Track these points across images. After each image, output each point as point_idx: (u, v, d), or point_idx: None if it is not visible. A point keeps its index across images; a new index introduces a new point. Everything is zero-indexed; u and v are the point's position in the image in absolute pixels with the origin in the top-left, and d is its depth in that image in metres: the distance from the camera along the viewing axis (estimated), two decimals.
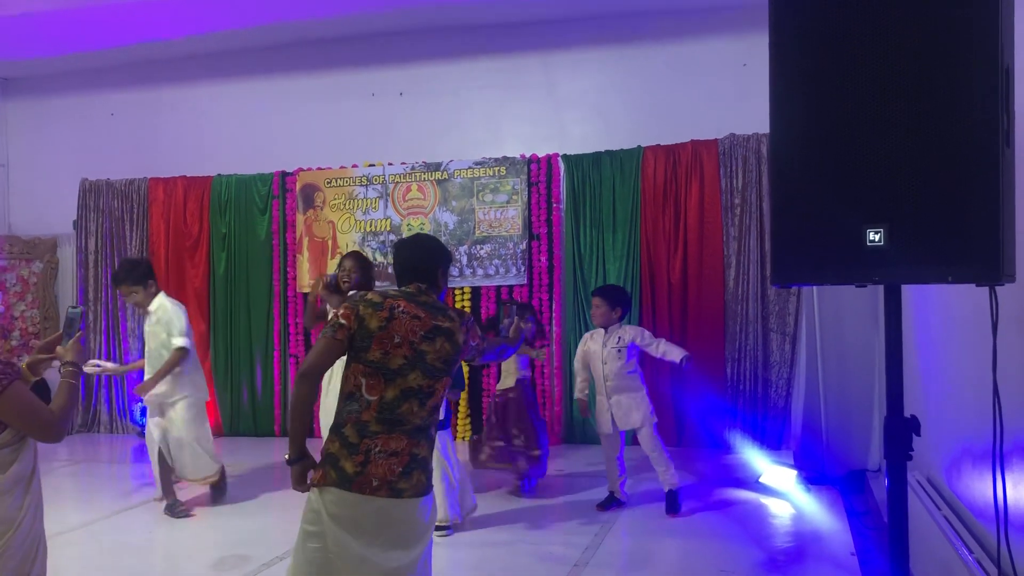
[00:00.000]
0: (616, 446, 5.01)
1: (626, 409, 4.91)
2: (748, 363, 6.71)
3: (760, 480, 5.48)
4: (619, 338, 4.96)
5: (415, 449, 2.50)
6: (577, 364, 5.18)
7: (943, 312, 4.15)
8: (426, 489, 2.55)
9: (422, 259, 2.72)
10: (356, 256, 4.93)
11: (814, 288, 6.53)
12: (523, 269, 7.27)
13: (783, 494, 5.27)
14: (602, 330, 5.03)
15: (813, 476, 6.21)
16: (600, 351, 5.00)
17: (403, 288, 2.69)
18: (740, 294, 6.75)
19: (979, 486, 3.37)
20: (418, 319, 2.55)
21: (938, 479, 4.20)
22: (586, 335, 5.22)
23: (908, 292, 4.92)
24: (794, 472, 5.41)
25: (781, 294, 6.67)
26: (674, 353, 4.89)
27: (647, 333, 5.05)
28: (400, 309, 2.54)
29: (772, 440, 6.66)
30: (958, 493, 3.78)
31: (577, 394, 5.22)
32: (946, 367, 4.12)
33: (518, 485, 5.40)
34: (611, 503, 5.08)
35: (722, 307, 6.79)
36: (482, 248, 7.37)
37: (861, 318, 6.84)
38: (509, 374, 5.44)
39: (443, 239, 7.46)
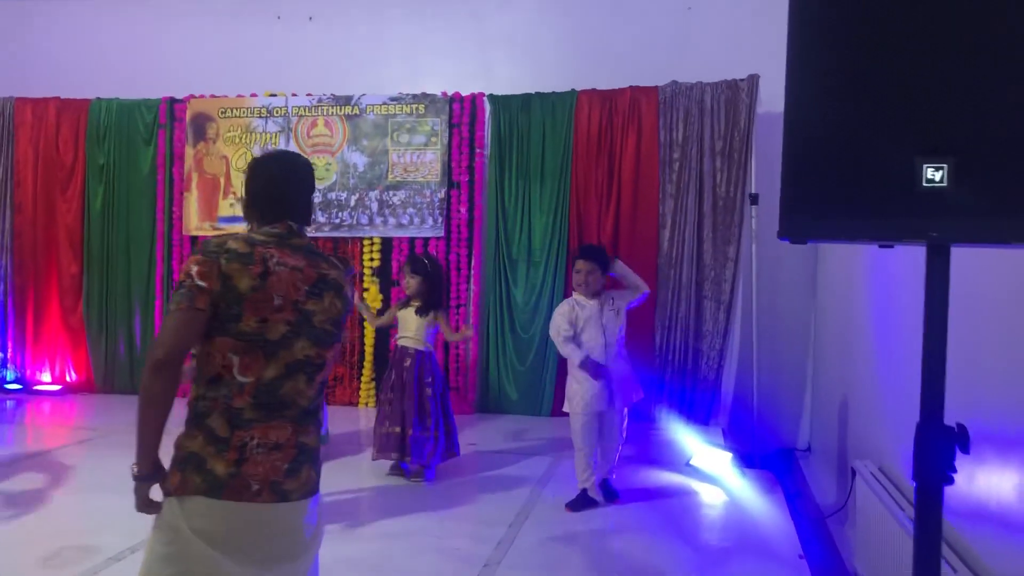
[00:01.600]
0: (595, 434, 4.31)
1: (626, 380, 4.36)
2: (679, 332, 6.22)
3: (690, 463, 5.00)
4: (612, 300, 4.33)
5: (303, 438, 1.97)
6: (566, 332, 4.28)
7: (897, 276, 3.68)
8: (316, 486, 2.01)
9: (295, 186, 2.09)
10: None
11: (753, 252, 6.06)
12: (440, 220, 6.59)
13: (716, 479, 4.80)
14: (590, 298, 4.32)
15: (744, 456, 5.82)
16: (598, 315, 4.30)
17: (268, 229, 2.01)
18: (674, 257, 6.23)
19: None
20: (299, 271, 1.95)
21: (893, 468, 3.78)
22: (569, 302, 4.39)
23: (857, 253, 4.47)
24: (728, 455, 4.94)
25: (718, 259, 6.17)
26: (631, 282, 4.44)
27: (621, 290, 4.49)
28: (275, 260, 1.91)
29: (700, 415, 6.22)
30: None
31: (583, 355, 4.24)
32: (906, 341, 3.66)
33: (421, 471, 4.76)
34: (586, 504, 4.29)
35: (654, 270, 6.26)
36: (395, 195, 6.64)
37: (797, 287, 6.46)
38: (411, 333, 4.75)
39: (351, 183, 6.70)
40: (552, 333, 4.37)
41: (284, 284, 1.90)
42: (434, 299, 4.79)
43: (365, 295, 6.68)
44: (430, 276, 4.78)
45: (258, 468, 1.86)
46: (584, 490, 4.31)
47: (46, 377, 7.26)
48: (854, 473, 4.42)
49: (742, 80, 6.13)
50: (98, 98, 7.18)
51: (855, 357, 4.77)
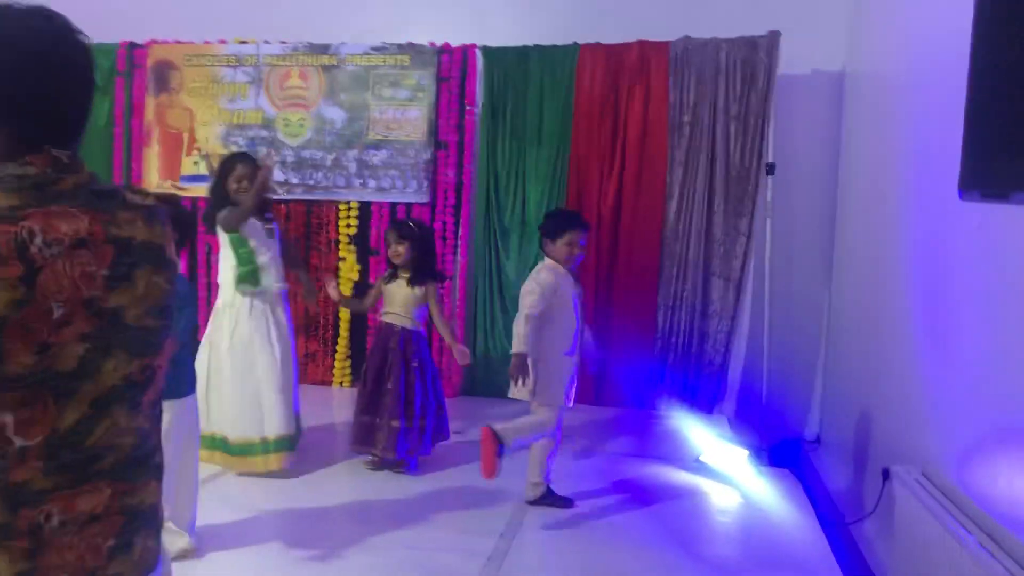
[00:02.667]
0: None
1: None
2: (684, 312, 5.70)
3: (701, 459, 4.51)
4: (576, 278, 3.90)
5: (128, 499, 1.27)
6: (537, 308, 3.64)
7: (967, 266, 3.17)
8: (155, 560, 1.32)
9: (53, 75, 1.20)
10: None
11: (768, 227, 5.55)
12: (425, 184, 6.00)
13: (730, 479, 4.31)
14: (565, 270, 3.79)
15: (754, 447, 5.37)
16: (572, 294, 3.78)
17: (13, 170, 1.17)
18: (681, 230, 5.69)
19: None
20: (85, 247, 1.17)
21: (939, 473, 3.31)
22: (551, 270, 3.76)
23: (900, 238, 3.96)
24: (744, 451, 4.45)
25: (729, 233, 5.65)
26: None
27: None
28: (40, 241, 1.12)
29: (705, 402, 5.72)
30: (970, 490, 2.92)
31: (524, 347, 3.60)
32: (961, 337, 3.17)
33: (405, 463, 4.26)
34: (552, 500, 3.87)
35: (659, 244, 5.73)
36: (376, 155, 6.04)
37: (812, 267, 5.97)
38: (398, 309, 4.22)
39: (328, 140, 6.09)
40: (522, 303, 3.70)
41: (64, 279, 1.14)
42: (426, 269, 4.24)
43: (341, 265, 6.10)
44: (420, 242, 4.23)
45: (65, 556, 1.19)
46: (549, 488, 3.88)
47: None
48: (886, 475, 3.96)
49: (761, 37, 5.56)
50: None
51: (887, 344, 4.28)
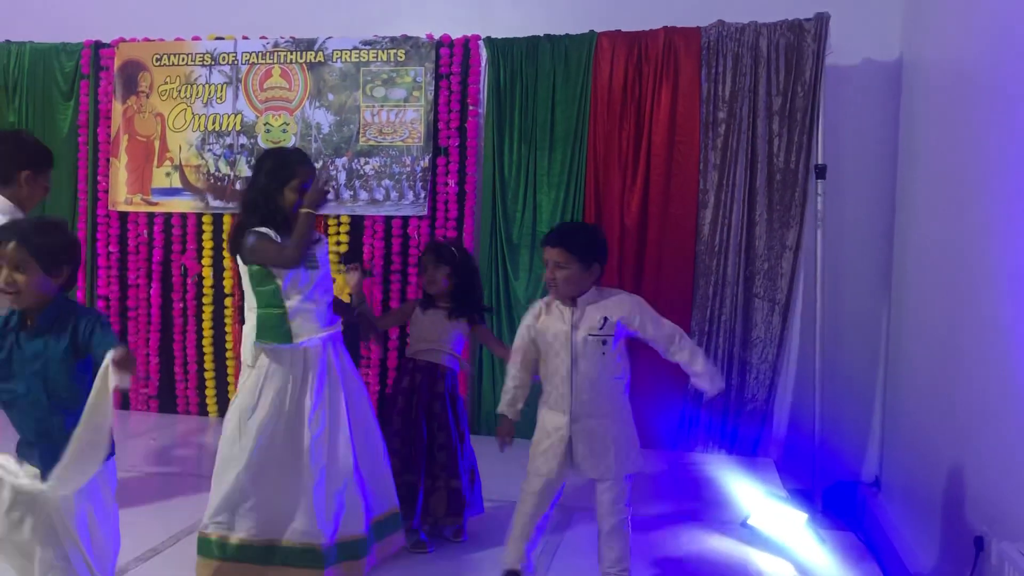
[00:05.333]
0: (550, 499, 2.99)
1: (600, 444, 2.87)
2: (722, 339, 4.93)
3: (748, 522, 3.72)
4: (603, 319, 2.84)
5: None
6: (516, 353, 3.01)
7: None
8: None
9: None
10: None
11: (818, 239, 4.78)
12: (423, 195, 5.28)
13: (785, 549, 3.53)
14: (567, 303, 2.90)
15: (803, 493, 4.60)
16: (567, 335, 2.86)
17: None
18: (718, 244, 4.94)
19: None
20: None
21: None
22: (538, 304, 3.00)
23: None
24: (802, 515, 3.66)
25: (774, 248, 4.88)
26: (699, 372, 2.89)
27: (648, 307, 2.92)
28: None
29: (748, 443, 4.95)
30: None
31: (504, 407, 3.03)
32: None
33: (420, 541, 3.42)
34: None
35: (691, 261, 4.97)
36: (368, 163, 5.32)
37: (868, 284, 5.20)
38: (439, 344, 3.46)
39: (313, 147, 5.39)
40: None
41: None
42: (471, 301, 3.52)
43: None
44: (463, 268, 3.51)
45: None
46: (510, 571, 2.99)
47: None
48: (980, 545, 3.21)
49: (808, 20, 4.82)
50: (7, 40, 5.86)
51: (970, 375, 3.52)
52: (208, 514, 2.94)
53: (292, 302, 2.93)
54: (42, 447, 2.22)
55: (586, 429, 2.86)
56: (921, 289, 4.48)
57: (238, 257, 3.02)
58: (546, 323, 2.93)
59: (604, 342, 2.83)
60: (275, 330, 2.93)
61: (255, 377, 2.96)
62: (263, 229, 2.94)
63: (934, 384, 4.07)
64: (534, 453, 2.97)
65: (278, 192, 2.97)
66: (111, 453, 2.31)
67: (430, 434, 3.39)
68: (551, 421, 2.93)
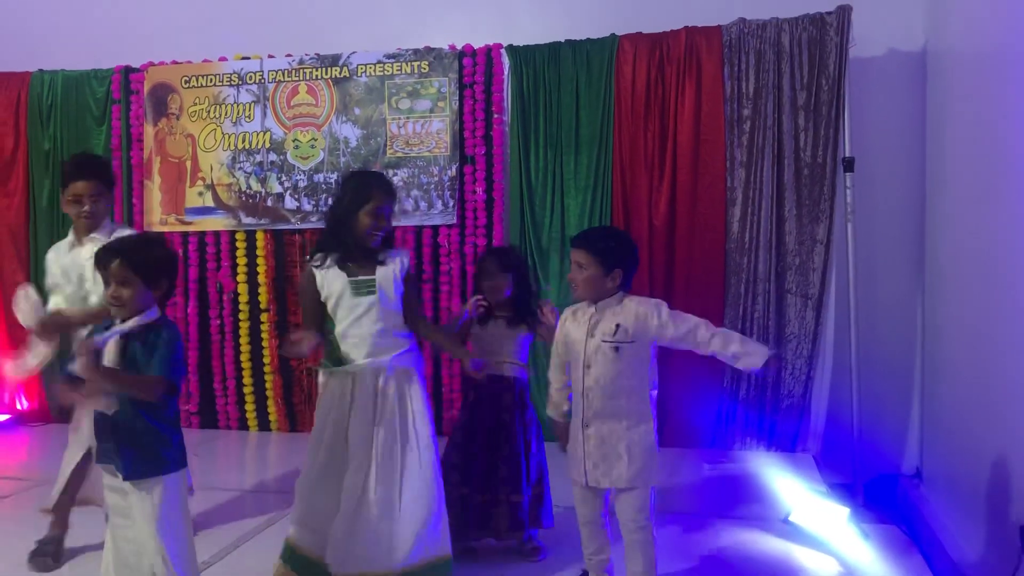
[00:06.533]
0: (596, 504, 2.99)
1: (608, 452, 2.82)
2: (756, 335, 4.91)
3: (789, 519, 3.72)
4: (617, 325, 2.81)
5: None
6: (555, 357, 3.03)
7: None
8: None
9: None
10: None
11: (849, 232, 4.75)
12: (452, 204, 5.33)
13: (828, 545, 3.52)
14: (590, 307, 2.92)
15: (847, 487, 4.57)
16: (582, 342, 2.87)
17: None
18: (747, 241, 4.94)
19: None
20: None
21: None
22: (567, 311, 3.02)
23: None
24: (844, 509, 3.65)
25: (804, 242, 4.87)
26: (738, 352, 2.77)
27: (665, 309, 2.83)
28: None
29: (786, 438, 4.94)
30: None
31: (550, 409, 3.06)
32: None
33: (533, 547, 3.39)
34: None
35: (722, 259, 4.98)
36: (396, 174, 5.38)
37: (902, 275, 5.16)
38: (504, 355, 3.36)
39: (341, 161, 5.47)
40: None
41: None
42: (526, 304, 3.41)
43: None
44: (521, 272, 3.46)
45: None
46: (584, 573, 3.07)
47: None
48: None
49: (829, 13, 4.81)
50: (40, 69, 5.99)
51: (1010, 362, 3.48)
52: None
53: (341, 327, 2.93)
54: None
55: (599, 435, 2.84)
56: (956, 278, 4.45)
57: None
58: (570, 327, 2.94)
59: (617, 349, 2.80)
60: (331, 354, 2.97)
61: (320, 397, 3.03)
62: (315, 264, 2.97)
63: (973, 373, 4.04)
64: (568, 460, 2.99)
65: (352, 215, 2.94)
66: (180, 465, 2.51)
67: (495, 447, 3.29)
68: (572, 426, 2.95)
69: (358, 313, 2.91)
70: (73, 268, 3.34)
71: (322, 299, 2.95)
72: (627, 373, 2.81)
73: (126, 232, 3.28)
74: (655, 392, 2.92)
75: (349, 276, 2.92)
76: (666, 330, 2.81)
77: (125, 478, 2.43)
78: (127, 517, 2.49)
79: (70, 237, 3.40)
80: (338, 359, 2.94)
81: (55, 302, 3.38)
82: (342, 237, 2.95)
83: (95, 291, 3.22)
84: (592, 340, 2.83)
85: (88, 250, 3.26)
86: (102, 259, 2.47)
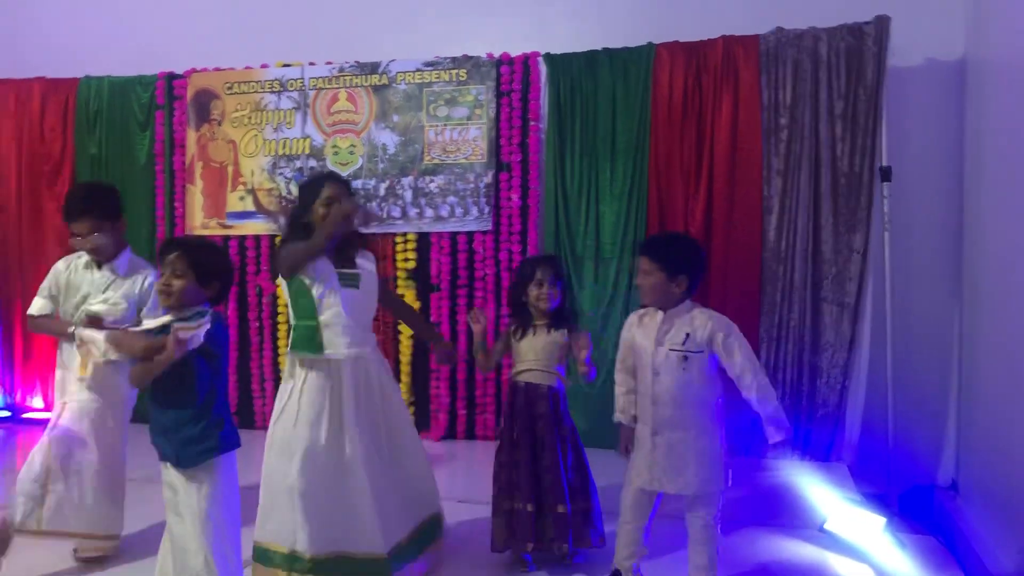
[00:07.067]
0: (647, 509, 3.05)
1: (678, 458, 2.89)
2: (791, 344, 4.93)
3: (825, 527, 3.73)
4: (686, 334, 2.86)
5: None
6: (619, 363, 3.11)
7: None
8: None
9: None
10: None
11: (886, 241, 4.75)
12: (488, 210, 5.39)
13: (864, 554, 3.53)
14: (658, 312, 2.98)
15: (879, 497, 4.55)
16: (650, 349, 2.93)
17: None
18: (784, 250, 4.95)
19: None
20: None
21: None
22: (633, 315, 3.08)
23: None
24: (881, 519, 3.66)
25: (841, 251, 4.87)
26: (764, 415, 2.84)
27: (732, 337, 2.86)
28: None
29: (820, 448, 4.94)
30: None
31: (618, 413, 3.11)
32: None
33: (565, 552, 3.34)
34: None
35: (758, 267, 4.99)
36: (433, 181, 5.46)
37: (939, 286, 5.12)
38: (540, 364, 3.33)
39: (380, 168, 5.55)
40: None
41: None
42: (566, 309, 3.40)
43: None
44: (567, 282, 3.50)
45: None
46: (615, 571, 3.12)
47: (37, 403, 6.27)
48: None
49: (867, 24, 4.81)
50: (87, 76, 6.14)
51: None
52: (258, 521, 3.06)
53: (324, 316, 2.99)
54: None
55: (667, 443, 2.90)
56: (994, 289, 4.42)
57: (279, 276, 3.12)
58: (637, 333, 3.00)
59: (686, 358, 2.85)
60: (308, 342, 3.01)
61: (289, 387, 3.05)
62: (287, 246, 3.07)
63: (1011, 384, 4.02)
64: (630, 463, 3.04)
65: (308, 209, 3.09)
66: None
67: (536, 458, 3.28)
68: (640, 431, 3.00)
69: (343, 303, 3.01)
70: (80, 287, 3.38)
71: (308, 284, 3.01)
72: (696, 382, 2.87)
73: (142, 266, 3.45)
74: (720, 399, 2.97)
75: (334, 268, 3.05)
76: (722, 356, 2.87)
77: (176, 465, 2.53)
78: (177, 514, 2.57)
79: (88, 257, 3.43)
80: (318, 346, 3.00)
81: (39, 306, 3.42)
82: (305, 230, 3.04)
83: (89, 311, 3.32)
84: (661, 348, 2.89)
85: (103, 275, 3.37)
86: (165, 249, 2.64)
